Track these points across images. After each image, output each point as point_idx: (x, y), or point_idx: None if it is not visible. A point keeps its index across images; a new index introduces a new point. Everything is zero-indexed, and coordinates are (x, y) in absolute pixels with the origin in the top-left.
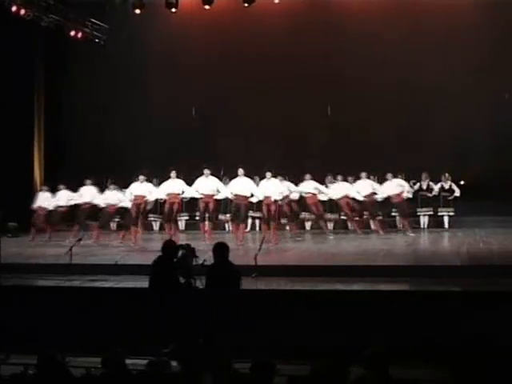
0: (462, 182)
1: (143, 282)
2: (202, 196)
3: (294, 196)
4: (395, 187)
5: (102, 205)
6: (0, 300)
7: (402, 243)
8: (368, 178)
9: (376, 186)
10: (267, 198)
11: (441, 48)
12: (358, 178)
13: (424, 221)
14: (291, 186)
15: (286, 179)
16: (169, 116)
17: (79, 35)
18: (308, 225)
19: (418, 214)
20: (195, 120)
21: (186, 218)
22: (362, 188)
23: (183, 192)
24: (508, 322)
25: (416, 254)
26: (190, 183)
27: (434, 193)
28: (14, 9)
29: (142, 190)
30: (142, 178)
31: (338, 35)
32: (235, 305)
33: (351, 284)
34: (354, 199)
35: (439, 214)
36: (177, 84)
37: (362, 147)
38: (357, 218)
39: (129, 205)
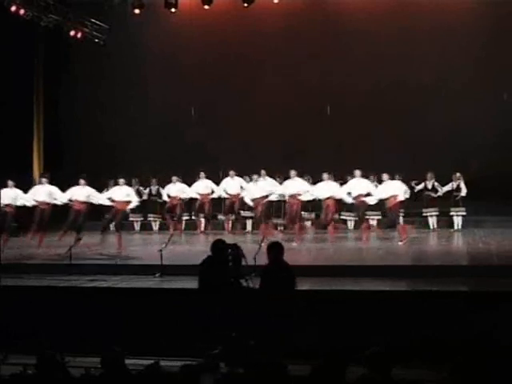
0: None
1: (143, 282)
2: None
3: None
4: (390, 190)
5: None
6: None
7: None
8: (365, 177)
9: (371, 186)
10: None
11: (440, 47)
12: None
13: (432, 221)
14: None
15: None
16: (168, 116)
17: (79, 35)
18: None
19: (424, 214)
20: (194, 120)
21: (186, 217)
22: (354, 188)
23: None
24: (508, 322)
25: (416, 254)
26: (188, 183)
27: (439, 193)
28: (13, 8)
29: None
30: (175, 178)
31: (337, 35)
32: (290, 306)
33: (351, 284)
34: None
35: (450, 214)
36: (176, 84)
37: (361, 146)
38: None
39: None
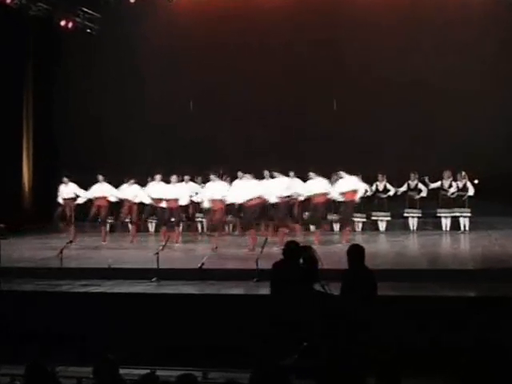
0: (475, 181)
1: (139, 287)
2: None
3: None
4: (350, 184)
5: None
6: None
7: (408, 245)
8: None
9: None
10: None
11: (452, 46)
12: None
13: (446, 223)
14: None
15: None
16: (165, 110)
17: (70, 25)
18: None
19: (439, 215)
20: (193, 113)
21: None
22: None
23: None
24: None
25: (425, 257)
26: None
27: (449, 193)
28: None
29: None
30: (158, 177)
31: (342, 27)
32: (372, 312)
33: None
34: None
35: (454, 214)
36: (173, 76)
37: (368, 144)
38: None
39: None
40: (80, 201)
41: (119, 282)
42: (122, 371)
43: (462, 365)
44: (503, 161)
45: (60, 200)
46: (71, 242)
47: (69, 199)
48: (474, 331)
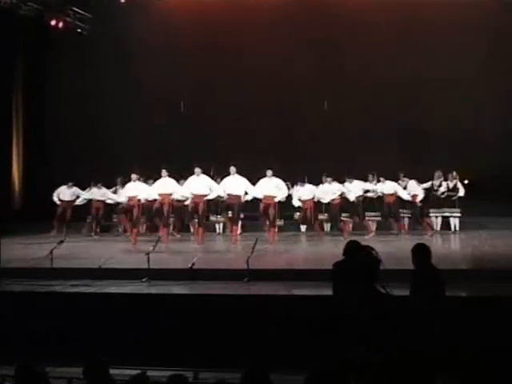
0: (465, 181)
1: (129, 287)
2: (192, 196)
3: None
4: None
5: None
6: None
7: (397, 245)
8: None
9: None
10: (268, 197)
11: (444, 45)
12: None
13: (437, 222)
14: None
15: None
16: (157, 110)
17: (60, 25)
18: (303, 227)
19: (432, 215)
20: (184, 114)
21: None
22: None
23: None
24: None
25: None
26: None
27: (439, 193)
28: None
29: (137, 190)
30: (134, 176)
31: (340, 26)
32: (441, 315)
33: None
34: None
35: (444, 214)
36: (166, 75)
37: (359, 143)
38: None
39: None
40: (80, 202)
41: (110, 282)
42: (112, 371)
43: (460, 365)
44: (497, 161)
45: (56, 200)
46: (62, 242)
47: (69, 201)
48: (467, 332)
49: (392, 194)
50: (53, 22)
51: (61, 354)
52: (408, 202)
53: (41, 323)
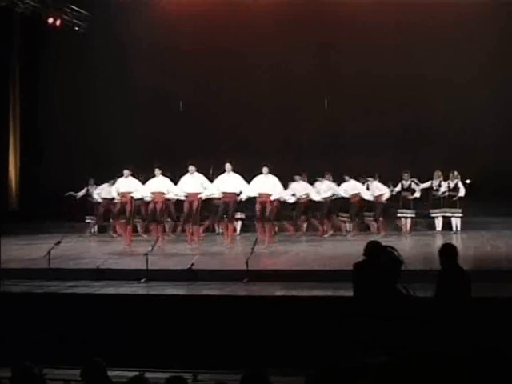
0: (467, 181)
1: (128, 288)
2: (186, 195)
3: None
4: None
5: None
6: None
7: (398, 246)
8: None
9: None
10: (263, 195)
11: (444, 43)
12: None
13: (438, 223)
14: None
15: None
16: (154, 110)
17: (57, 23)
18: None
19: (432, 215)
20: (183, 114)
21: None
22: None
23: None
24: None
25: (423, 258)
26: (175, 181)
27: (439, 193)
28: None
29: (129, 186)
30: (126, 172)
31: (340, 26)
32: (467, 316)
33: (349, 290)
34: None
35: (445, 215)
36: (163, 76)
37: (358, 142)
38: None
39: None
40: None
41: (107, 282)
42: (110, 373)
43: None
44: (498, 160)
45: (98, 198)
46: (59, 242)
47: (112, 199)
48: (468, 333)
49: (356, 195)
50: (50, 20)
51: (58, 356)
52: (372, 201)
53: (38, 324)
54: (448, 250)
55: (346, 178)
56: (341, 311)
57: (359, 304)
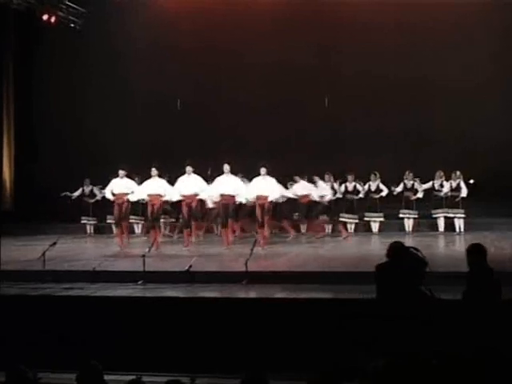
0: (471, 181)
1: (124, 291)
2: (183, 197)
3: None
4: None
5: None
6: None
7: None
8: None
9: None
10: (261, 197)
11: (445, 43)
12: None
13: (441, 224)
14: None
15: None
16: (151, 108)
17: (52, 19)
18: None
19: (434, 216)
20: (180, 113)
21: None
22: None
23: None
24: None
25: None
26: (173, 182)
27: (442, 193)
28: None
29: (124, 187)
30: (122, 173)
31: (339, 26)
32: (497, 318)
33: (349, 292)
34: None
35: (447, 215)
36: (159, 74)
37: (359, 142)
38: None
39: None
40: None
41: (103, 284)
42: (106, 377)
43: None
44: (501, 161)
45: (110, 196)
46: (55, 243)
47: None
48: (469, 335)
49: (306, 195)
50: (45, 17)
51: (54, 360)
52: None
53: (33, 328)
54: (476, 250)
55: (297, 178)
56: (342, 313)
57: (382, 306)
